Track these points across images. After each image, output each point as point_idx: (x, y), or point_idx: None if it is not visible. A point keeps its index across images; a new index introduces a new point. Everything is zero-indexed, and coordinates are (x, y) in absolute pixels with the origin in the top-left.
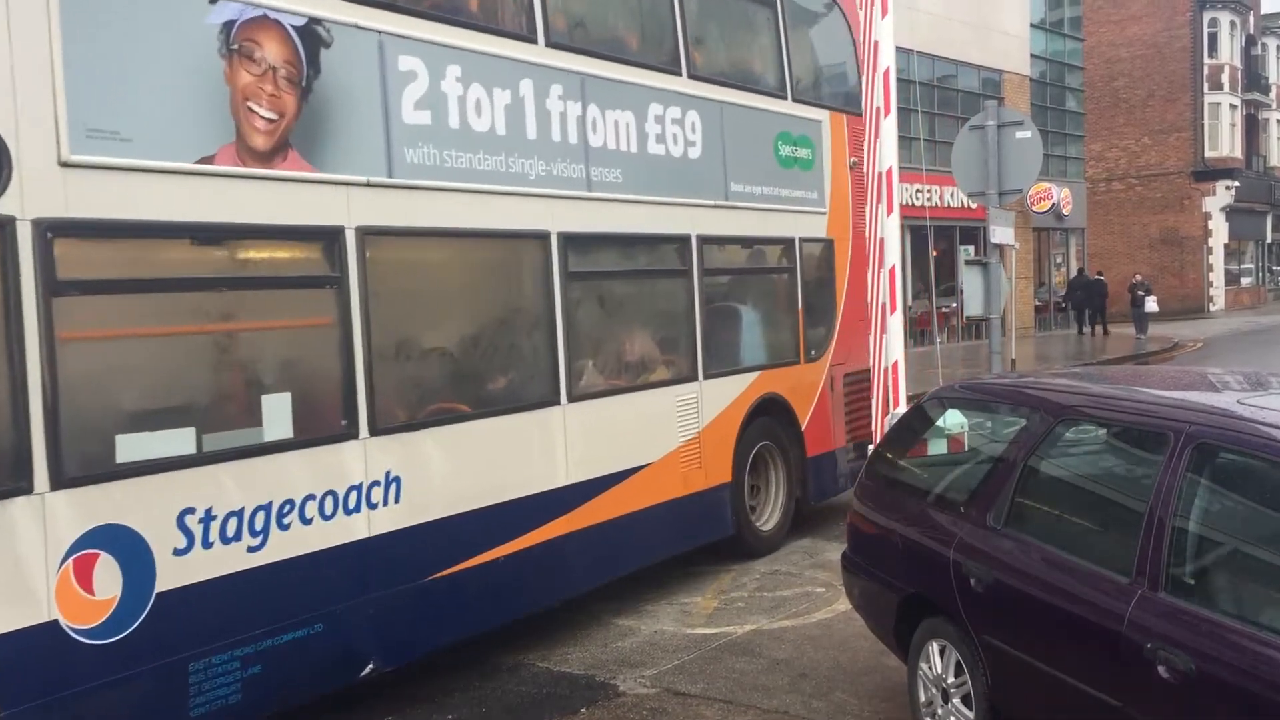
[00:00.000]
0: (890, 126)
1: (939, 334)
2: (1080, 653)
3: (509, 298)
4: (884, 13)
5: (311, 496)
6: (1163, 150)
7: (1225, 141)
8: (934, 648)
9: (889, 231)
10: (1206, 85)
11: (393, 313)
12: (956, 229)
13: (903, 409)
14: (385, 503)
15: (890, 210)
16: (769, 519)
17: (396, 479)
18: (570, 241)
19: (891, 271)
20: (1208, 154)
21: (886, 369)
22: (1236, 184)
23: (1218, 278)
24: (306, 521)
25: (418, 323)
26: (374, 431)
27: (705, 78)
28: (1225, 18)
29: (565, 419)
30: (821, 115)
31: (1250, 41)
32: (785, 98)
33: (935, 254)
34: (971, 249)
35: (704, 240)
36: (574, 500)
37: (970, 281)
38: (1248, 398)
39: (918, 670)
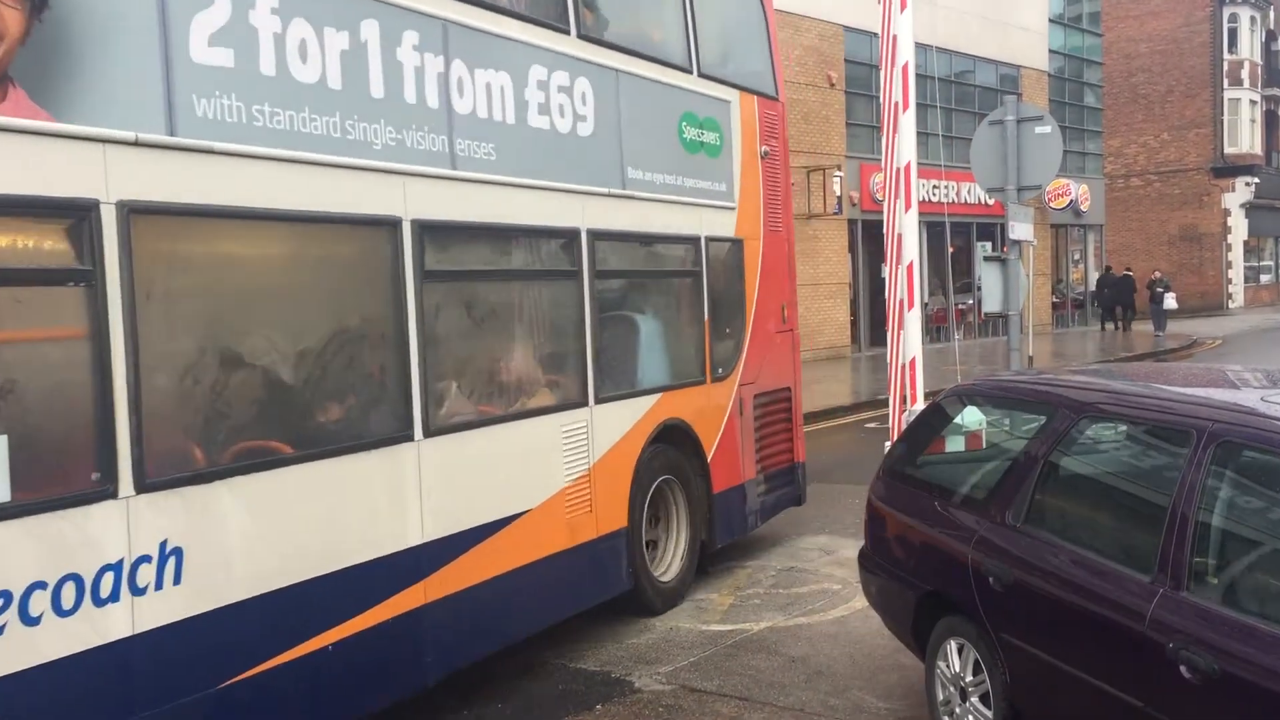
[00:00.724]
0: (909, 121)
1: (956, 330)
2: (1101, 652)
3: (345, 303)
4: (903, 6)
5: (40, 585)
6: (1182, 146)
7: (1245, 138)
8: (952, 646)
9: (907, 227)
10: (1226, 81)
11: (172, 321)
12: (974, 225)
13: (920, 406)
14: (159, 586)
15: (909, 206)
16: (669, 567)
17: (176, 551)
18: (429, 232)
19: (910, 268)
20: (1227, 150)
21: (904, 365)
22: (1256, 180)
23: (1237, 275)
24: (32, 622)
25: (211, 335)
26: (141, 487)
27: (599, 40)
28: (1245, 13)
29: (420, 459)
30: (731, 95)
31: (1271, 37)
32: (690, 71)
33: (952, 250)
34: (989, 245)
35: (596, 236)
36: (432, 562)
37: (988, 278)
38: (1271, 395)
39: (935, 668)
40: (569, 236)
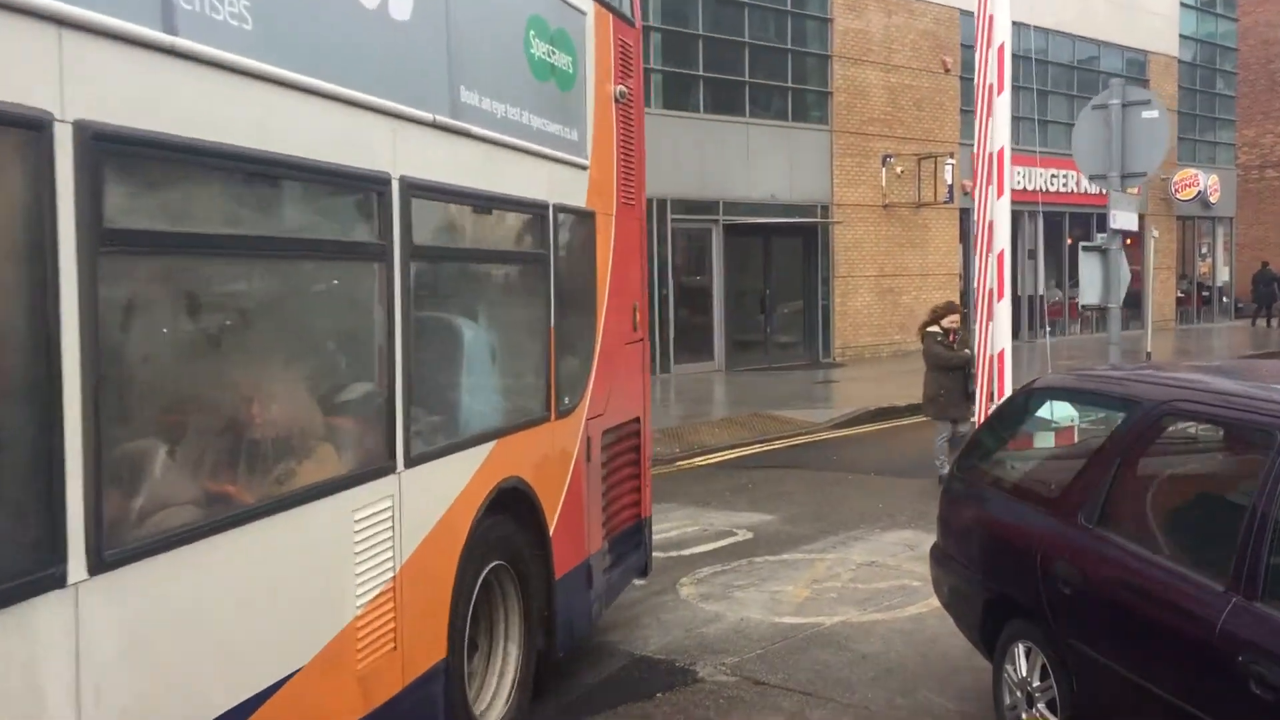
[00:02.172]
0: (1004, 105)
1: (1072, 323)
2: (1169, 662)
3: None
4: None
5: None
6: None
7: None
8: (1019, 649)
9: (999, 214)
10: None
11: None
12: (1094, 216)
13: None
14: None
15: (1001, 193)
16: (494, 699)
17: None
18: (106, 158)
19: (1000, 256)
20: None
21: (993, 357)
22: None
23: None
24: None
25: None
26: None
27: None
28: None
29: (79, 621)
30: (586, 5)
31: None
32: None
33: (1070, 242)
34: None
35: (414, 189)
36: None
37: (1087, 268)
38: None
39: (1003, 672)
40: (370, 186)
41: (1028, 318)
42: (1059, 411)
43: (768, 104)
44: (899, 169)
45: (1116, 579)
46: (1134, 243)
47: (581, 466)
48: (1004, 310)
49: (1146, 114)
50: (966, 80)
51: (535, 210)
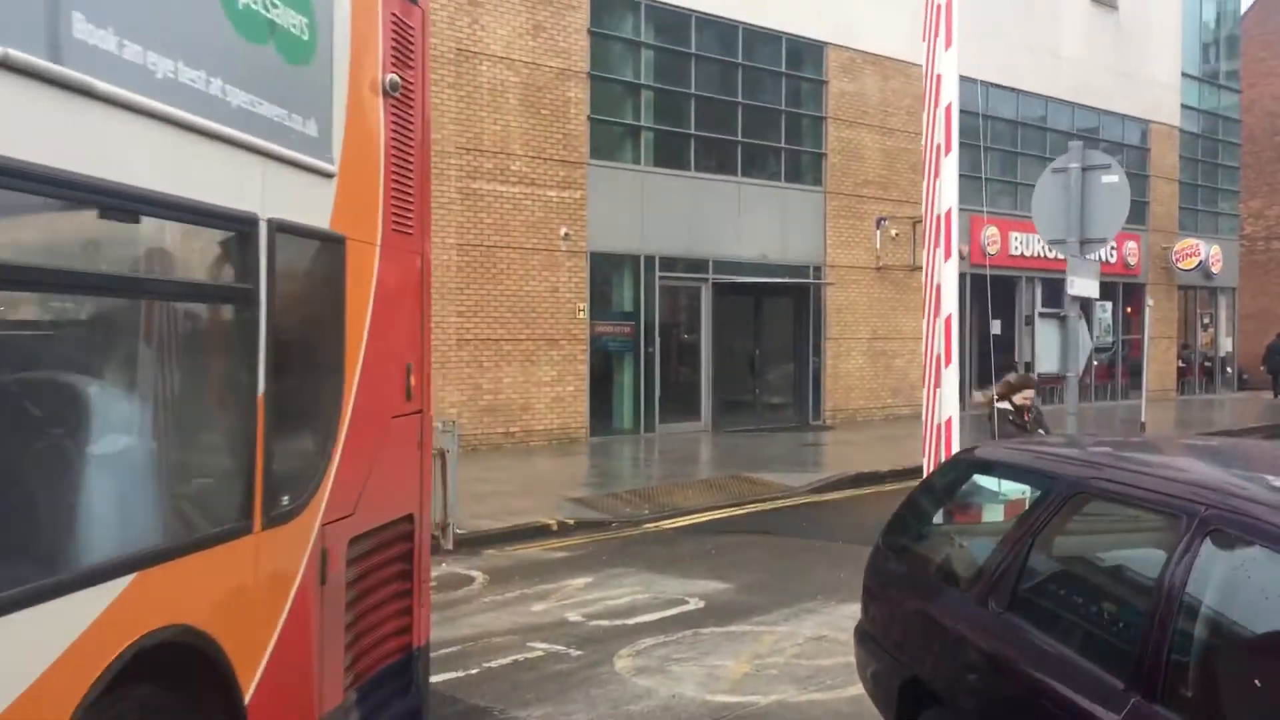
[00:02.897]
0: (951, 165)
1: (1065, 391)
2: None
3: None
4: (948, 44)
5: None
6: None
7: None
8: None
9: (946, 277)
10: None
11: None
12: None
13: None
14: None
15: (949, 255)
16: None
17: None
18: None
19: (948, 321)
20: None
21: (939, 425)
22: None
23: None
24: None
25: None
26: None
27: None
28: None
29: None
30: None
31: None
32: None
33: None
34: (1109, 305)
35: None
36: None
37: (1044, 336)
38: (1276, 479)
39: None
40: None
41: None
42: (985, 486)
43: (762, 164)
44: (893, 231)
45: (1021, 671)
46: (1134, 312)
47: (310, 593)
48: (951, 376)
49: (1106, 178)
50: (964, 145)
51: (231, 225)
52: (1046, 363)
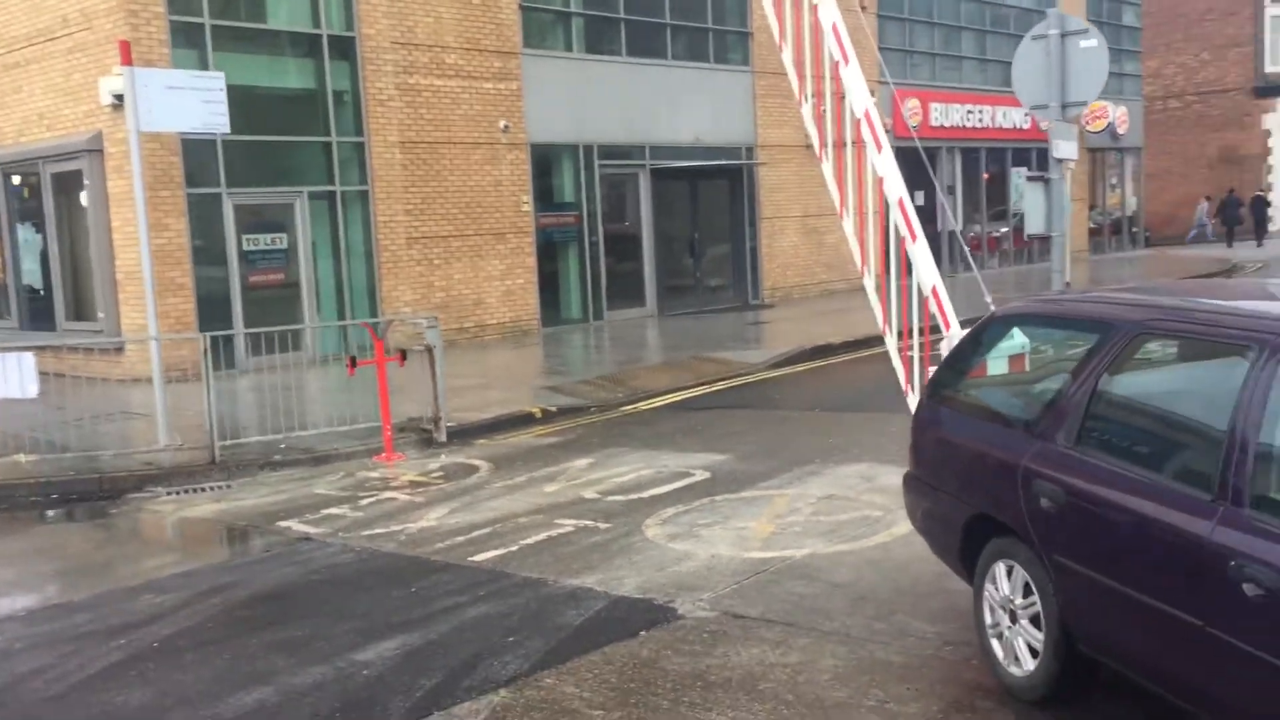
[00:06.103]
0: (853, 73)
1: (990, 257)
2: (1159, 571)
3: None
4: None
5: None
6: (1221, 66)
7: None
8: (1000, 568)
9: (885, 168)
10: None
11: None
12: (1009, 151)
13: (956, 330)
14: None
15: (880, 148)
16: None
17: None
18: None
19: (900, 203)
20: (1268, 69)
21: (926, 298)
22: None
23: (1277, 197)
24: None
25: None
26: None
27: None
28: None
29: None
30: None
31: None
32: None
33: (986, 178)
34: (1024, 171)
35: None
36: None
37: (1031, 198)
38: None
39: (984, 591)
40: None
41: (947, 254)
42: (1014, 339)
43: (691, 47)
44: (821, 109)
45: (1100, 495)
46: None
47: None
48: (921, 249)
49: (1085, 43)
50: (885, 18)
51: None
52: (1035, 224)
